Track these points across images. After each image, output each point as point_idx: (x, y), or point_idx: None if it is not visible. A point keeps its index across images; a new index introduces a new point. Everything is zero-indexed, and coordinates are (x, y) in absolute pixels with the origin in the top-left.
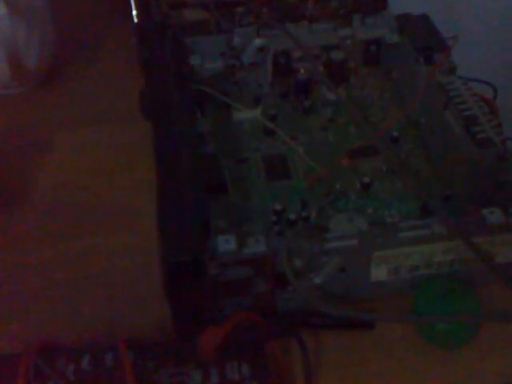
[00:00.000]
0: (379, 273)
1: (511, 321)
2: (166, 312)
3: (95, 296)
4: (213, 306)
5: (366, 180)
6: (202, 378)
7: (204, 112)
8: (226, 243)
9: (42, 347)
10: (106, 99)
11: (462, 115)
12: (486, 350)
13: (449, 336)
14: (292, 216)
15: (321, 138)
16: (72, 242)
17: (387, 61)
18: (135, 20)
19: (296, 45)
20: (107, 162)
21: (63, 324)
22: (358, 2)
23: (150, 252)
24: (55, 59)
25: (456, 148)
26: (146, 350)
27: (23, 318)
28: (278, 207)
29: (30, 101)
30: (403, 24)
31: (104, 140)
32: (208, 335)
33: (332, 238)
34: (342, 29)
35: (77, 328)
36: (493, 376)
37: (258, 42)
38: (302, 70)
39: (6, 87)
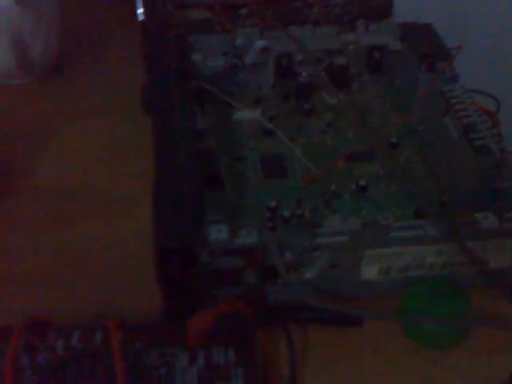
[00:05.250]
0: (370, 272)
1: (495, 325)
2: (158, 298)
3: (89, 279)
4: (203, 294)
5: (362, 182)
6: (189, 361)
7: (204, 109)
8: (218, 232)
9: (34, 323)
10: (109, 92)
11: (461, 122)
12: (474, 353)
13: (436, 337)
14: (286, 213)
15: (319, 141)
16: (69, 228)
17: (389, 68)
18: (141, 18)
19: (298, 48)
20: (107, 153)
21: (56, 304)
22: (363, 8)
23: (145, 240)
24: (61, 51)
25: (454, 155)
26: (136, 330)
27: (17, 296)
28: (272, 204)
29: (34, 91)
30: (407, 32)
31: (105, 131)
32: (197, 319)
33: (323, 233)
34: (346, 34)
35: (69, 308)
36: (480, 379)
37: (260, 43)
38: (304, 73)
39: (10, 77)
